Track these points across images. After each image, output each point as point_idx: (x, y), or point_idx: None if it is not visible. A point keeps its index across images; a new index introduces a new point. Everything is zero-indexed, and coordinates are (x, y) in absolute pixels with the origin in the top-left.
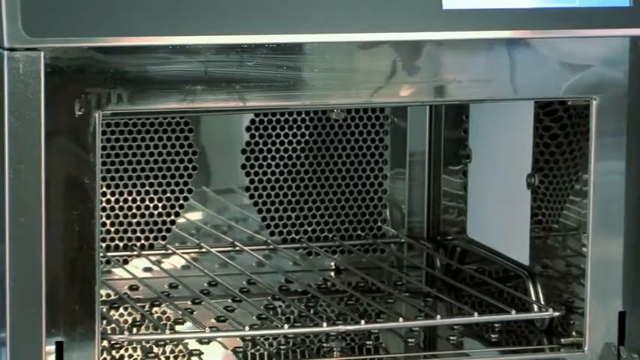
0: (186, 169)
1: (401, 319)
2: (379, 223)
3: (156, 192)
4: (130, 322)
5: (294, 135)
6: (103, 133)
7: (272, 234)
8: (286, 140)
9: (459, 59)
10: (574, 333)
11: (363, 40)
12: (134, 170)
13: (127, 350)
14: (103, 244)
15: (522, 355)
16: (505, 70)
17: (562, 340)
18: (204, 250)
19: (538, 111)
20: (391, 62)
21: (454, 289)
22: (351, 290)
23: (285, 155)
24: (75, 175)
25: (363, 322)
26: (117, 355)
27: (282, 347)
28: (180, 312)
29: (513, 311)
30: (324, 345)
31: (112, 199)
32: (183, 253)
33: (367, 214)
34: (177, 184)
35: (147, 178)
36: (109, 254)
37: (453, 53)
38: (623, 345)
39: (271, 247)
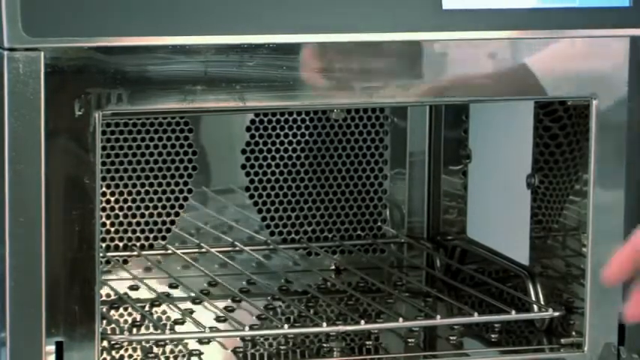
0: (186, 169)
1: (401, 319)
2: (379, 223)
3: (156, 192)
4: (130, 322)
5: (294, 135)
6: (103, 133)
7: (272, 234)
8: (286, 140)
9: (459, 59)
10: (574, 333)
11: (363, 40)
12: (134, 170)
13: (127, 350)
14: (103, 244)
15: (522, 355)
16: (505, 70)
17: (562, 340)
18: (204, 250)
19: (538, 111)
20: (391, 62)
21: (454, 289)
22: (351, 290)
23: (285, 155)
24: (75, 175)
25: (363, 322)
26: (117, 355)
27: (282, 347)
28: (180, 312)
29: (513, 311)
30: (324, 345)
31: (112, 199)
32: (183, 253)
33: (367, 214)
34: (177, 184)
35: (147, 178)
36: (109, 254)
37: (453, 53)
38: (623, 345)
39: (271, 247)
